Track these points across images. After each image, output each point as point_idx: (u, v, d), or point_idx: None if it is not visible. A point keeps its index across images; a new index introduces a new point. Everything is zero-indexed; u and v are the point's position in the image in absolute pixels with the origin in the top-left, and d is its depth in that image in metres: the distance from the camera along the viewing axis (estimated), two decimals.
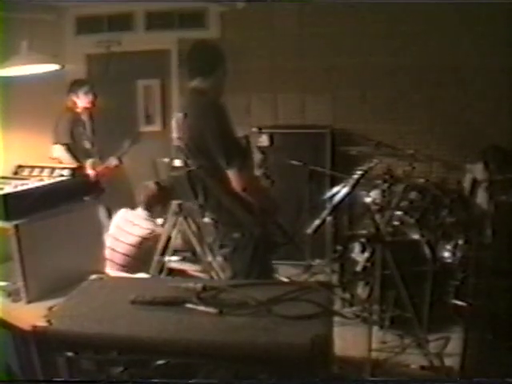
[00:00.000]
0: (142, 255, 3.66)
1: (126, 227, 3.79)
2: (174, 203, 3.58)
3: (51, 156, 4.43)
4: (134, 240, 3.70)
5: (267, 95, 5.09)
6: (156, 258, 3.52)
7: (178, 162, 4.41)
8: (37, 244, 2.20)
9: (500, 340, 2.63)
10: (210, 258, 3.44)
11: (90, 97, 4.61)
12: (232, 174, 2.61)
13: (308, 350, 1.54)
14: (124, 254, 3.66)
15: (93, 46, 5.39)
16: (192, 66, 2.80)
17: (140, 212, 3.89)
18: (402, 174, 3.90)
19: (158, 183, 3.99)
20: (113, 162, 4.69)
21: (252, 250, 2.73)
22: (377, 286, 3.27)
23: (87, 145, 4.64)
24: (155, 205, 3.90)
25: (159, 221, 3.90)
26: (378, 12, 4.73)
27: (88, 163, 4.49)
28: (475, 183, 4.14)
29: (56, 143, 4.50)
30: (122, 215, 3.91)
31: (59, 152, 4.46)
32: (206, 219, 2.96)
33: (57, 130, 4.53)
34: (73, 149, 4.54)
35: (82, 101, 4.60)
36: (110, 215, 4.66)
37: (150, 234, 3.75)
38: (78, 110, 4.63)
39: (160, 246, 3.61)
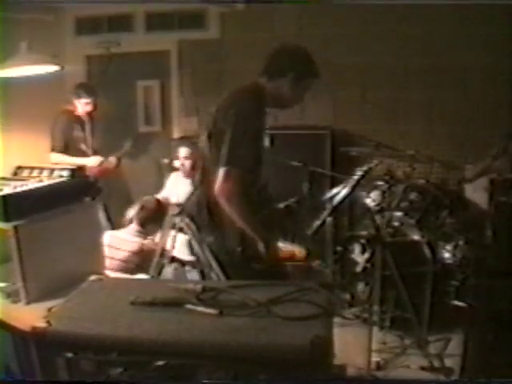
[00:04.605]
0: (130, 272, 3.61)
1: (115, 244, 3.69)
2: (174, 204, 3.57)
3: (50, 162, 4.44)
4: (123, 255, 3.65)
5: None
6: (155, 259, 3.51)
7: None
8: (36, 245, 2.20)
9: (501, 341, 2.63)
10: (210, 259, 3.43)
11: (93, 104, 4.61)
12: (220, 173, 2.38)
13: (308, 350, 1.54)
14: (114, 270, 3.61)
15: (93, 47, 5.39)
16: (266, 63, 2.65)
17: (131, 227, 3.85)
18: (402, 175, 3.90)
19: (158, 200, 3.95)
20: (112, 162, 4.70)
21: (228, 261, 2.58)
22: (377, 287, 3.27)
23: (84, 146, 4.64)
24: (151, 222, 3.85)
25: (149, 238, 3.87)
26: (378, 12, 4.73)
27: (86, 164, 4.49)
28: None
29: (52, 149, 4.50)
30: (111, 233, 3.86)
31: (56, 159, 4.46)
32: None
33: (52, 135, 4.53)
34: (71, 151, 4.55)
35: (83, 106, 4.60)
36: (108, 216, 4.67)
37: (140, 248, 3.71)
38: (77, 113, 4.62)
39: (159, 247, 3.60)
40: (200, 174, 2.65)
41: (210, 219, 2.57)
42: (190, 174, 4.32)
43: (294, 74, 2.55)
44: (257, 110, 2.49)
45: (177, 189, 4.27)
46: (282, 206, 2.95)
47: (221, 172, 2.38)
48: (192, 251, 3.60)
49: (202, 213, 2.62)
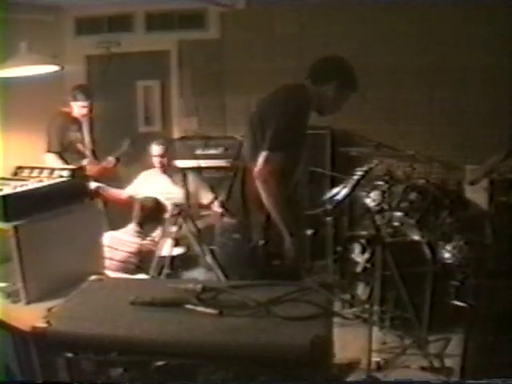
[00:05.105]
0: (130, 272, 3.60)
1: (114, 245, 3.70)
2: (173, 205, 3.57)
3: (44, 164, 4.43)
4: (122, 256, 3.66)
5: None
6: (156, 259, 3.51)
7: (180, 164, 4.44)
8: (36, 245, 2.20)
9: (501, 341, 2.63)
10: (209, 259, 3.44)
11: (89, 106, 4.59)
12: (261, 157, 2.45)
13: (308, 350, 1.54)
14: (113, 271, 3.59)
15: (93, 47, 5.39)
16: (312, 67, 2.72)
17: (129, 228, 3.85)
18: (402, 175, 3.90)
19: (157, 200, 3.95)
20: (110, 161, 4.69)
21: (248, 258, 2.57)
22: (377, 287, 3.27)
23: (82, 147, 4.62)
24: (149, 221, 3.86)
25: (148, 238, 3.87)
26: (378, 12, 4.74)
27: (84, 164, 4.48)
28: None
29: (48, 151, 4.49)
30: (110, 234, 3.86)
31: (51, 161, 4.45)
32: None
33: (48, 136, 4.51)
34: (67, 153, 4.54)
35: (79, 108, 4.58)
36: (108, 217, 4.66)
37: (139, 248, 3.71)
38: (74, 115, 4.61)
39: (160, 247, 3.60)
40: (235, 169, 2.69)
41: (245, 212, 2.59)
42: (167, 170, 4.32)
43: (337, 82, 2.66)
44: (302, 106, 2.59)
45: (151, 187, 4.27)
46: (309, 213, 2.97)
47: (262, 156, 2.45)
48: (178, 243, 3.61)
49: (234, 206, 2.64)
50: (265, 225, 2.51)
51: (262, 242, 2.51)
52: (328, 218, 3.07)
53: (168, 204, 3.83)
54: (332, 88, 2.66)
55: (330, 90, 2.66)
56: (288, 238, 2.48)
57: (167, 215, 3.68)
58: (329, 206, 2.90)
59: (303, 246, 2.59)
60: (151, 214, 3.84)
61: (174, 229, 3.53)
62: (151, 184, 4.32)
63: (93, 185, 4.01)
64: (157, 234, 3.85)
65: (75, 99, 4.56)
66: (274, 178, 2.43)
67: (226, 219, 2.69)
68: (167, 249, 3.58)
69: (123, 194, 4.39)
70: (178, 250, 3.69)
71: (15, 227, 2.13)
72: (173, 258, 3.58)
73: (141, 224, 3.82)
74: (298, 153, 2.59)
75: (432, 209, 3.71)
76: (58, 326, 1.71)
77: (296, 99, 2.59)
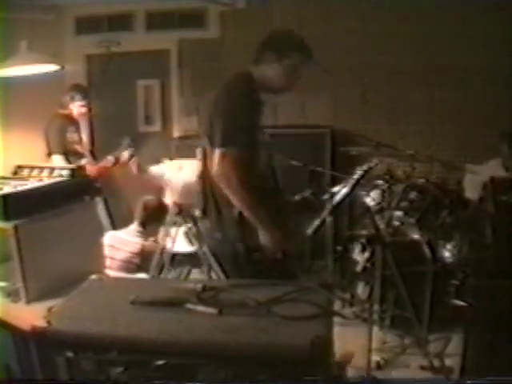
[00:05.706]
0: (131, 272, 3.60)
1: (116, 244, 3.71)
2: (173, 204, 3.56)
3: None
4: (124, 256, 3.66)
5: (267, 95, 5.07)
6: (156, 258, 3.51)
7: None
8: (36, 244, 2.20)
9: (500, 341, 2.63)
10: (208, 258, 3.43)
11: (86, 106, 4.58)
12: (216, 155, 2.36)
13: (308, 350, 1.54)
14: (114, 270, 3.60)
15: (93, 47, 5.39)
16: (255, 52, 2.67)
17: (131, 228, 3.84)
18: (402, 174, 3.90)
19: (159, 199, 3.94)
20: (110, 161, 4.68)
21: (232, 256, 2.53)
22: (377, 286, 3.27)
23: (80, 148, 4.62)
24: (152, 221, 3.85)
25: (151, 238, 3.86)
26: (378, 12, 4.73)
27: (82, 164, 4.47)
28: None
29: (51, 153, 4.47)
30: (112, 234, 3.86)
31: (58, 162, 4.44)
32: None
33: (49, 139, 4.50)
34: (67, 153, 4.53)
35: (77, 108, 4.58)
36: (109, 211, 4.66)
37: (141, 249, 3.71)
38: (72, 115, 4.60)
39: (160, 247, 3.60)
40: (201, 171, 2.63)
41: (216, 211, 2.54)
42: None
43: (274, 54, 2.61)
44: (245, 92, 2.49)
45: (179, 172, 4.25)
46: (298, 197, 2.92)
47: (216, 154, 2.36)
48: (190, 241, 3.60)
49: (208, 207, 2.59)
50: (238, 221, 2.43)
51: (238, 240, 2.45)
52: (328, 219, 3.07)
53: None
54: (279, 64, 2.59)
55: (279, 66, 2.59)
56: (262, 234, 2.41)
57: (169, 214, 3.67)
58: (316, 190, 2.86)
59: (283, 238, 2.45)
60: (154, 214, 3.83)
61: (174, 228, 3.53)
62: (179, 170, 4.29)
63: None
64: (159, 234, 3.84)
65: (73, 100, 4.55)
66: (234, 175, 2.33)
67: (206, 221, 2.64)
68: (170, 245, 3.58)
69: (151, 172, 4.35)
70: (183, 247, 3.69)
71: (15, 226, 2.13)
72: (173, 256, 3.59)
73: (143, 224, 3.81)
74: (255, 143, 2.49)
75: (432, 208, 3.71)
76: (58, 325, 1.71)
77: (238, 89, 2.49)
